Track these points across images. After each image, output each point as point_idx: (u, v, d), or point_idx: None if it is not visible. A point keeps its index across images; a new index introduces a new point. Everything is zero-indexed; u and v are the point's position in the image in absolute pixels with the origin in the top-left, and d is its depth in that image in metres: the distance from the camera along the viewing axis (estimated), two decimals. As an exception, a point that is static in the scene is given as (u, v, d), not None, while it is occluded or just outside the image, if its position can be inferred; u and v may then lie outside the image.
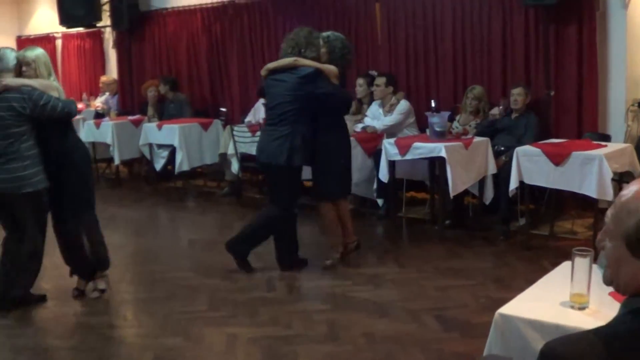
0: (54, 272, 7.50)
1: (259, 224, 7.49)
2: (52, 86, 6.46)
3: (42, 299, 6.84)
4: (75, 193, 6.68)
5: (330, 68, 7.11)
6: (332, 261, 7.48)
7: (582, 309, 3.18)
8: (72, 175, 6.60)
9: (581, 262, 3.16)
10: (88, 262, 6.90)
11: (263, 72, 7.36)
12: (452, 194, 8.13)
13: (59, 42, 16.46)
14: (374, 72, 10.18)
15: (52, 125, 6.43)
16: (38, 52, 6.58)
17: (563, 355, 1.97)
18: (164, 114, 12.59)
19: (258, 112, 10.32)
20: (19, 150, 6.22)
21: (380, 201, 9.35)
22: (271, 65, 7.29)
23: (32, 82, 6.34)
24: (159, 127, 11.53)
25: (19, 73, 6.42)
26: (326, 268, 7.39)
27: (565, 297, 3.24)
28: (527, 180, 7.74)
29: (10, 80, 6.30)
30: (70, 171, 6.58)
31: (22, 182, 6.24)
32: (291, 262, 7.46)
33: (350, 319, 6.03)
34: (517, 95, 8.85)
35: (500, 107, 8.99)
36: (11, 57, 6.45)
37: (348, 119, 9.40)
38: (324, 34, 7.38)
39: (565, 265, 3.61)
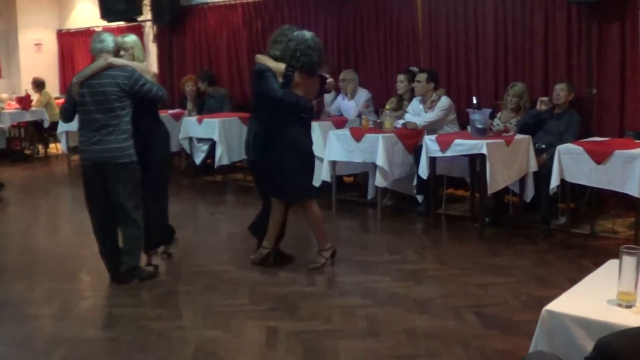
0: (94, 263, 7.57)
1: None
2: (147, 70, 7.16)
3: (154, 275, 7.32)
4: (157, 168, 7.29)
5: (277, 65, 7.11)
6: (315, 265, 7.38)
7: (629, 307, 3.17)
8: (156, 151, 7.24)
9: (629, 261, 3.15)
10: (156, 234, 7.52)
11: None
12: (490, 191, 8.13)
13: (99, 37, 16.54)
14: (414, 68, 10.18)
15: (142, 105, 6.99)
16: (134, 38, 7.33)
17: (619, 349, 1.96)
18: (203, 108, 12.65)
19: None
20: (119, 124, 6.81)
21: (420, 198, 9.35)
22: None
23: (132, 64, 6.95)
24: (199, 121, 11.59)
25: (116, 56, 6.99)
26: (312, 270, 7.32)
27: (612, 295, 3.23)
28: (568, 179, 7.70)
29: (115, 59, 6.92)
30: (155, 147, 7.22)
31: (120, 153, 6.82)
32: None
33: (390, 315, 6.03)
34: (560, 89, 8.80)
35: (548, 98, 8.87)
36: (110, 40, 7.06)
37: (388, 115, 9.42)
38: (295, 32, 7.29)
39: (611, 263, 3.60)
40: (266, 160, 7.22)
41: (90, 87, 6.80)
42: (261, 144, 7.22)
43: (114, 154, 6.80)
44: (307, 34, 7.21)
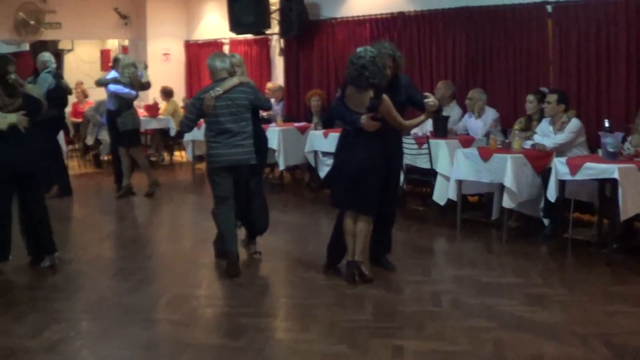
0: (217, 272, 7.78)
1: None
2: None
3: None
4: (261, 167, 8.63)
5: None
6: None
7: None
8: (262, 152, 8.33)
9: None
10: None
11: None
12: (622, 217, 7.95)
13: (226, 48, 16.80)
14: (545, 89, 10.02)
15: (254, 114, 8.09)
16: (241, 57, 8.65)
17: None
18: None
19: (425, 125, 10.26)
20: (249, 131, 7.94)
21: (546, 221, 9.17)
22: None
23: (249, 80, 8.25)
24: (325, 135, 11.63)
25: (231, 73, 8.01)
26: None
27: None
28: (702, 207, 7.52)
29: (243, 77, 8.11)
30: (262, 149, 8.37)
31: (252, 156, 7.98)
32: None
33: (517, 339, 5.96)
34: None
35: None
36: (228, 60, 8.06)
37: (517, 135, 9.33)
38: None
39: None
40: None
41: (227, 100, 7.80)
42: None
43: (250, 156, 7.94)
44: (359, 48, 7.50)
